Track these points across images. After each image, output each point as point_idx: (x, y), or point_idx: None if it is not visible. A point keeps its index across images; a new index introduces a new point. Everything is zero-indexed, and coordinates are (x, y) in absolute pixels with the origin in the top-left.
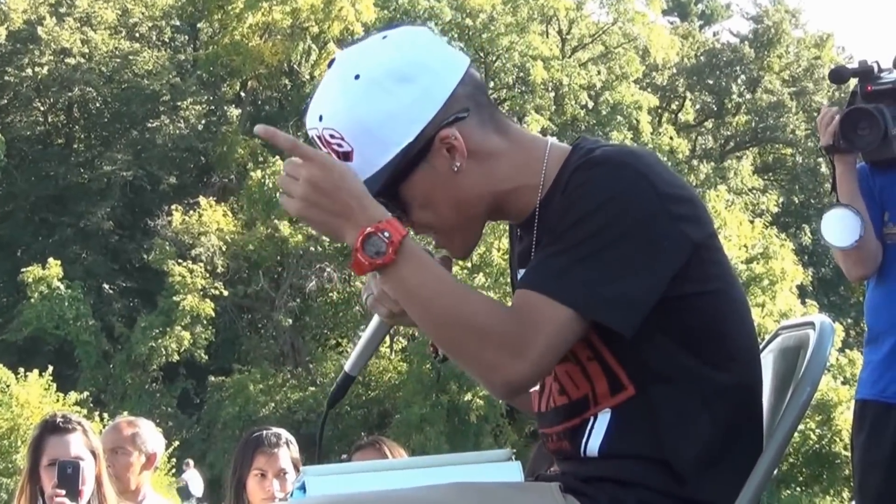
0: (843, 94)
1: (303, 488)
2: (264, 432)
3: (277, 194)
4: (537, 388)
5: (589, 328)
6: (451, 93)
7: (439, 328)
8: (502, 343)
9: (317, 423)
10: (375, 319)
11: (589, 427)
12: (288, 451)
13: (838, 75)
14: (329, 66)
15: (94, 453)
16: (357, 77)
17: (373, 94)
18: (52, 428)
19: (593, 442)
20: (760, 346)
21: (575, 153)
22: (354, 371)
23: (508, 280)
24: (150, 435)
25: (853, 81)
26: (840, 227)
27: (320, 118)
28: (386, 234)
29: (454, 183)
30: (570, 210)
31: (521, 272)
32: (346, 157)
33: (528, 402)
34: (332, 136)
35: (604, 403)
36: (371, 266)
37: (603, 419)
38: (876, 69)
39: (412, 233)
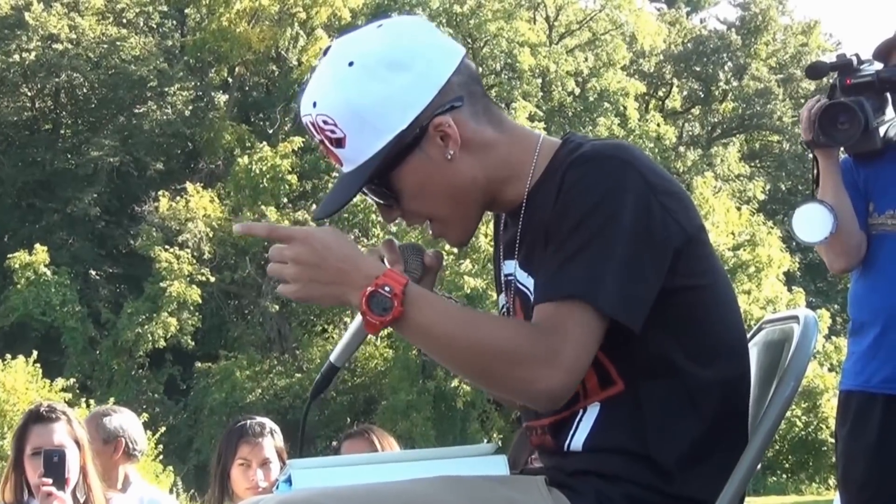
0: (828, 81)
1: (288, 481)
2: (248, 422)
3: (276, 284)
4: None
5: (606, 328)
6: (446, 81)
7: (465, 363)
8: (531, 358)
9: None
10: None
11: (577, 421)
12: (272, 441)
13: (815, 71)
14: (324, 53)
15: (78, 443)
16: (351, 64)
17: (366, 80)
18: (36, 417)
19: (578, 436)
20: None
21: (564, 147)
22: (339, 362)
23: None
24: (115, 422)
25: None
26: (811, 223)
27: (314, 104)
28: (387, 288)
29: (447, 171)
30: (569, 210)
31: (508, 263)
32: (339, 143)
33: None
34: (325, 123)
35: (593, 397)
36: (382, 324)
37: (591, 413)
38: (855, 62)
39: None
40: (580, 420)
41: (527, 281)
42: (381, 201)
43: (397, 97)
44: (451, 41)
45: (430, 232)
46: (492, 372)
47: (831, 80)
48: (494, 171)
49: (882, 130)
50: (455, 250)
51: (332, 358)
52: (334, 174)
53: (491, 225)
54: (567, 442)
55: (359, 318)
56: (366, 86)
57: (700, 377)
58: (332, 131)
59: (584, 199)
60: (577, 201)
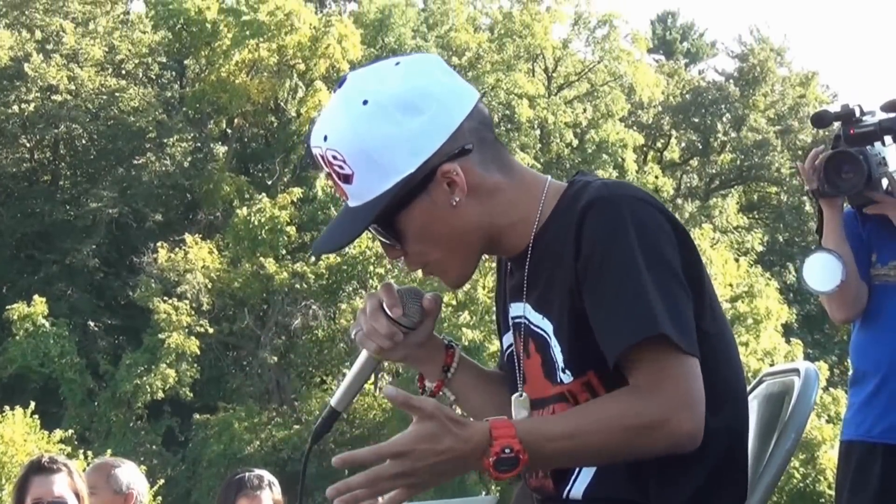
0: (827, 133)
1: None
2: (247, 474)
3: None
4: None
5: (591, 372)
6: (457, 127)
7: (609, 457)
8: (659, 416)
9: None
10: (363, 355)
11: (577, 469)
12: (270, 494)
13: (820, 119)
14: (339, 84)
15: (77, 495)
16: (365, 102)
17: (378, 120)
18: (37, 468)
19: (579, 485)
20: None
21: (571, 187)
22: (340, 406)
23: (493, 318)
24: (126, 474)
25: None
26: (821, 272)
27: (325, 138)
28: (507, 450)
29: (452, 217)
30: (603, 255)
31: (515, 306)
32: (347, 179)
33: None
34: (334, 158)
35: None
36: (515, 475)
37: None
38: (858, 112)
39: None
40: (580, 470)
41: (542, 323)
42: (385, 241)
43: (408, 140)
44: (466, 84)
45: (431, 273)
46: (637, 448)
47: (830, 133)
48: (500, 217)
49: (885, 181)
50: (454, 301)
51: (332, 402)
52: (337, 215)
53: (489, 278)
54: (567, 489)
55: (359, 361)
56: (378, 127)
57: (712, 424)
58: (341, 167)
59: (616, 241)
60: (608, 245)
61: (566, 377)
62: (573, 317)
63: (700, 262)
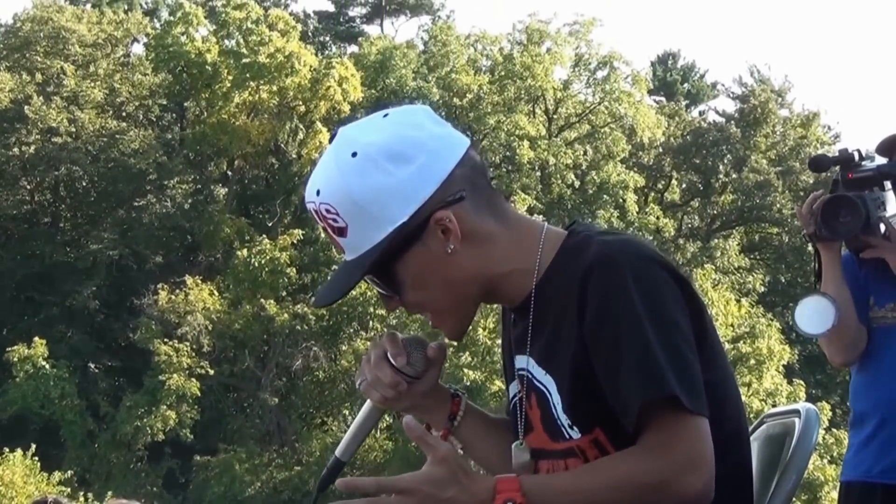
0: (829, 175)
1: None
2: None
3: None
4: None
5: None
6: (448, 174)
7: None
8: (669, 476)
9: (302, 502)
10: (368, 405)
11: None
12: None
13: (818, 164)
14: (331, 140)
15: None
16: (354, 154)
17: (368, 171)
18: None
19: None
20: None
21: (571, 238)
22: (345, 456)
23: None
24: None
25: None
26: (813, 315)
27: (318, 192)
28: (509, 503)
29: (448, 264)
30: (609, 319)
31: (519, 358)
32: (341, 232)
33: None
34: (327, 211)
35: None
36: None
37: None
38: (857, 157)
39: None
40: None
41: (544, 378)
42: (382, 291)
43: (398, 190)
44: (456, 132)
45: (431, 323)
46: (644, 501)
47: (832, 175)
48: (496, 265)
49: (882, 226)
50: (455, 343)
51: (337, 453)
52: (334, 267)
53: (489, 319)
54: None
55: (363, 411)
56: (367, 178)
57: (717, 470)
58: (335, 220)
59: (621, 304)
60: (612, 309)
61: (574, 433)
62: (577, 377)
63: (702, 311)
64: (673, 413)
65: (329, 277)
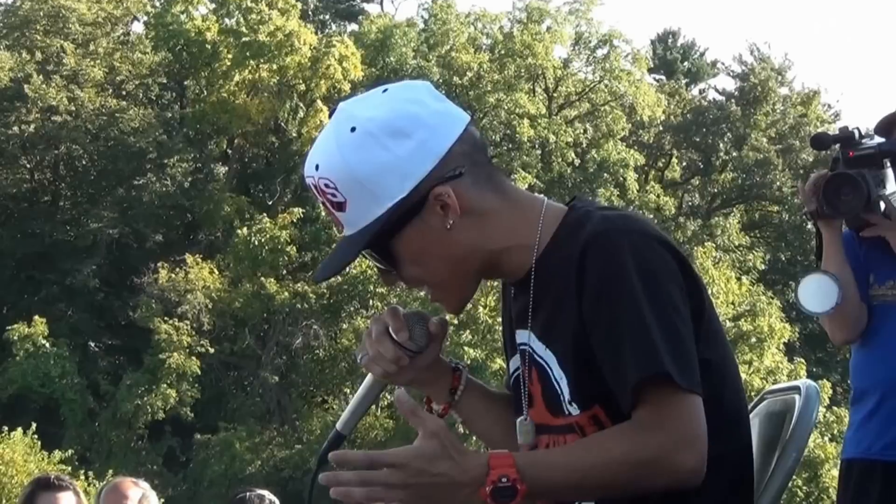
0: (829, 153)
1: None
2: (248, 494)
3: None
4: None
5: (597, 406)
6: (448, 150)
7: (607, 491)
8: (662, 453)
9: (303, 480)
10: (369, 378)
11: None
12: None
13: (820, 142)
14: (331, 115)
15: None
16: (353, 129)
17: (367, 147)
18: (44, 485)
19: None
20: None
21: (571, 213)
22: (346, 430)
23: (495, 336)
24: (154, 498)
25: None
26: (817, 293)
27: (316, 167)
28: (504, 479)
29: (446, 240)
30: (606, 296)
31: (521, 332)
32: (340, 207)
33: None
34: (326, 186)
35: None
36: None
37: None
38: (857, 135)
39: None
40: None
41: (545, 354)
42: (381, 266)
43: (397, 165)
44: (456, 108)
45: (430, 297)
46: (637, 484)
47: (833, 153)
48: (496, 240)
49: (882, 204)
50: (455, 321)
51: (338, 426)
52: (335, 246)
53: (490, 297)
54: None
55: (365, 385)
56: (366, 153)
57: (710, 452)
58: (334, 195)
59: (619, 282)
60: (610, 285)
61: (574, 409)
62: (577, 353)
63: (701, 290)
64: (666, 391)
65: (329, 254)
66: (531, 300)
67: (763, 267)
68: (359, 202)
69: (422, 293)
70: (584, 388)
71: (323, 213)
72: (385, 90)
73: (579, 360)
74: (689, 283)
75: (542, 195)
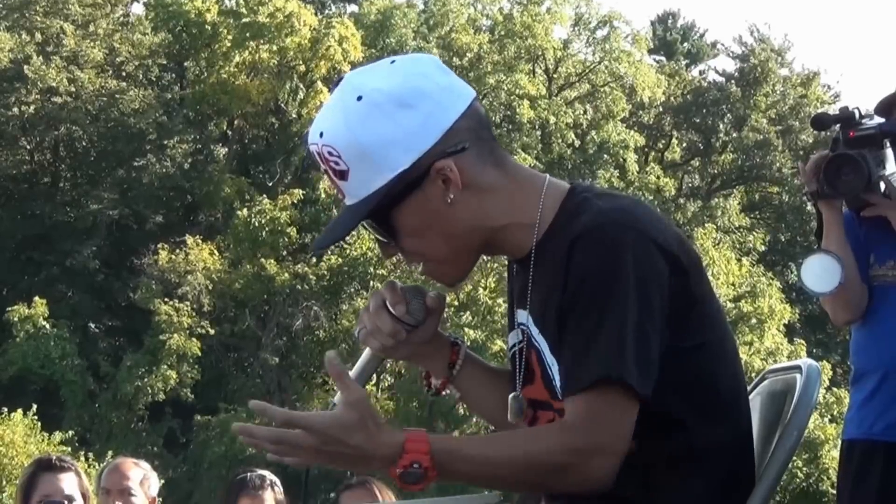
0: (829, 134)
1: None
2: (249, 474)
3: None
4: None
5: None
6: (452, 124)
7: (517, 487)
8: (577, 460)
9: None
10: (367, 353)
11: None
12: (273, 494)
13: (820, 122)
14: (336, 84)
15: (84, 496)
16: (359, 98)
17: (373, 116)
18: (46, 466)
19: None
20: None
21: (571, 199)
22: None
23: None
24: (155, 479)
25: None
26: (820, 273)
27: (321, 134)
28: (415, 465)
29: (447, 214)
30: (583, 290)
31: (520, 312)
32: (342, 175)
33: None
34: (329, 154)
35: None
36: (422, 489)
37: None
38: (857, 115)
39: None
40: None
41: (539, 338)
42: (380, 238)
43: (401, 137)
44: (462, 84)
45: (426, 271)
46: (546, 485)
47: (833, 134)
48: (496, 217)
49: (882, 185)
50: (456, 302)
51: (335, 400)
52: (334, 215)
53: (490, 278)
54: None
55: (362, 359)
56: (371, 122)
57: (707, 435)
58: (336, 163)
59: (598, 279)
60: (589, 282)
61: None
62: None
63: (700, 274)
64: (615, 395)
65: (328, 223)
66: (530, 282)
67: (763, 248)
68: (361, 172)
69: (422, 275)
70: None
71: (323, 195)
72: (393, 62)
73: (560, 346)
74: (680, 279)
75: (544, 173)
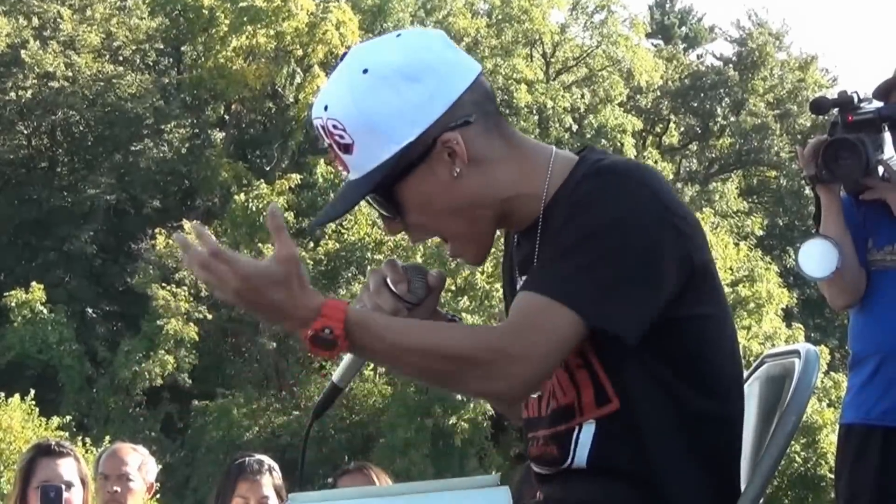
0: (826, 118)
1: None
2: (247, 459)
3: (211, 289)
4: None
5: (586, 336)
6: (458, 98)
7: (423, 373)
8: (494, 356)
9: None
10: None
11: (576, 435)
12: (270, 478)
13: (819, 106)
14: (341, 58)
15: (83, 481)
16: (365, 71)
17: (378, 90)
18: (45, 451)
19: (581, 452)
20: (746, 375)
21: (582, 164)
22: (343, 382)
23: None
24: (153, 464)
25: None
26: (818, 258)
27: (325, 108)
28: (327, 330)
29: (452, 187)
30: (576, 217)
31: (522, 278)
32: (347, 149)
33: (513, 406)
34: (334, 127)
35: (588, 414)
36: (331, 356)
37: (588, 430)
38: (856, 99)
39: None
40: (579, 437)
41: None
42: (385, 213)
43: (407, 110)
44: (467, 58)
45: (448, 251)
46: (452, 378)
47: (831, 118)
48: (504, 189)
49: (881, 169)
50: (453, 287)
51: (334, 378)
52: (338, 190)
53: (488, 264)
54: (570, 457)
55: None
56: (377, 95)
57: (698, 407)
58: (341, 136)
59: (596, 210)
60: (587, 210)
61: None
62: None
63: (701, 244)
64: (560, 315)
65: (332, 198)
66: (537, 247)
67: (761, 232)
68: (366, 145)
69: (451, 256)
70: None
71: (320, 180)
72: (399, 35)
73: None
74: (685, 242)
75: (551, 145)
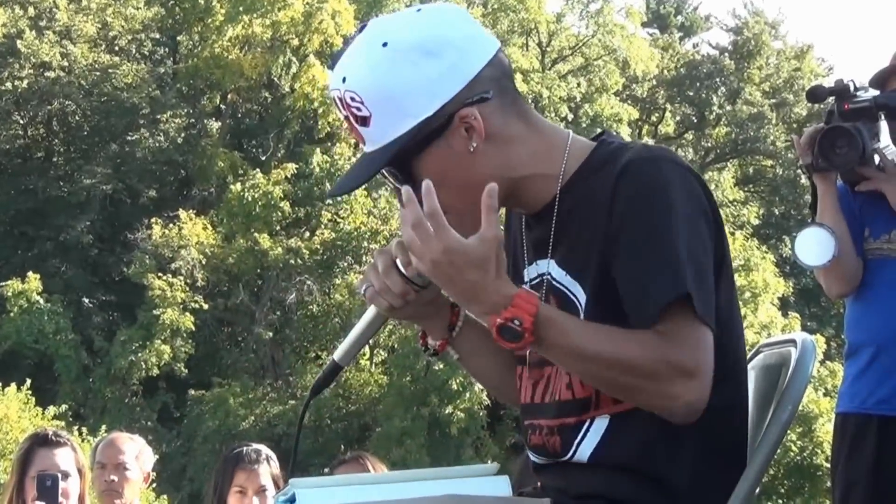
0: (822, 106)
1: (289, 500)
2: (244, 448)
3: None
4: (528, 376)
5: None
6: (477, 74)
7: (604, 381)
8: (673, 372)
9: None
10: (371, 311)
11: (584, 429)
12: (268, 468)
13: (815, 95)
14: (359, 30)
15: (80, 471)
16: (385, 45)
17: (398, 63)
18: (42, 441)
19: (585, 447)
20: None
21: (602, 147)
22: (344, 361)
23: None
24: (149, 454)
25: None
26: (814, 246)
27: (343, 80)
28: (516, 321)
29: (469, 164)
30: (637, 217)
31: (539, 263)
32: (364, 121)
33: (511, 390)
34: (352, 99)
35: (605, 409)
36: (517, 349)
37: (600, 424)
38: (852, 87)
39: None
40: (588, 430)
41: (565, 280)
42: (399, 187)
43: (426, 84)
44: (488, 34)
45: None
46: (632, 389)
47: (827, 107)
48: (519, 168)
49: (876, 157)
50: None
51: (335, 356)
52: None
53: None
54: (573, 450)
55: (366, 317)
56: (397, 68)
57: (715, 397)
58: (359, 109)
59: (653, 204)
60: (643, 204)
61: None
62: (604, 278)
63: (723, 232)
64: (685, 316)
65: (347, 171)
66: (553, 229)
67: (757, 221)
68: (383, 118)
69: None
70: (604, 311)
71: (317, 170)
72: (419, 10)
73: (606, 285)
74: (717, 223)
75: (567, 129)
